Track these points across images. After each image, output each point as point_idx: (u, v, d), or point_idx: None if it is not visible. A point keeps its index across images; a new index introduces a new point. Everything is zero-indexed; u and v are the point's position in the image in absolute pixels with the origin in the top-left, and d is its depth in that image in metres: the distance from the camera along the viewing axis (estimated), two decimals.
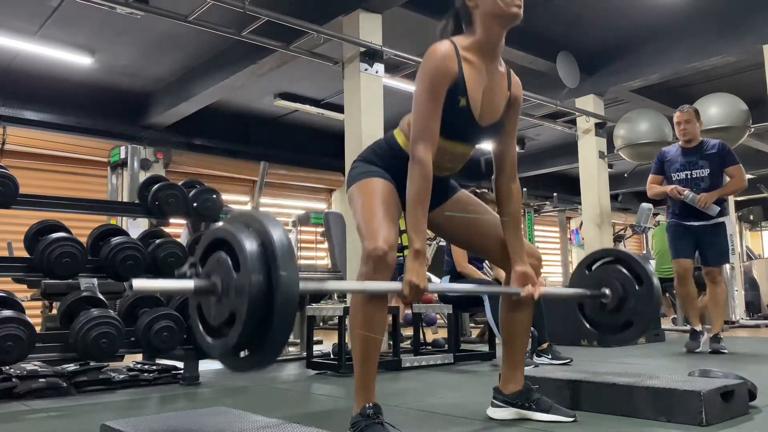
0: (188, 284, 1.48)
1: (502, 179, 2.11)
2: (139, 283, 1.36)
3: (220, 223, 1.58)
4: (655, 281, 2.29)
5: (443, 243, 4.46)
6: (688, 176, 4.34)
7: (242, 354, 1.47)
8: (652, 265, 6.26)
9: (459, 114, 1.91)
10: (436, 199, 1.97)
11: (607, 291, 2.33)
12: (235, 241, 1.42)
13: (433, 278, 4.92)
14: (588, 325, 2.43)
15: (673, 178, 4.38)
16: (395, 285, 1.81)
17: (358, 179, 2.02)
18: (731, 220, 4.38)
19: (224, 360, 1.52)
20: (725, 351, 4.20)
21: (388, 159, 2.03)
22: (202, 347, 1.55)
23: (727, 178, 4.38)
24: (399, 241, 4.19)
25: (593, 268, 2.45)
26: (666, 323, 7.06)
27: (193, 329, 1.57)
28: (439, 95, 1.87)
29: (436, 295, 4.41)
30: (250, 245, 1.40)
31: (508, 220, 2.07)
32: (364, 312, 1.84)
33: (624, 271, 2.33)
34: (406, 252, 3.34)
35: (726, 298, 6.69)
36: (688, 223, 4.34)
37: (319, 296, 5.49)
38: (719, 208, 4.23)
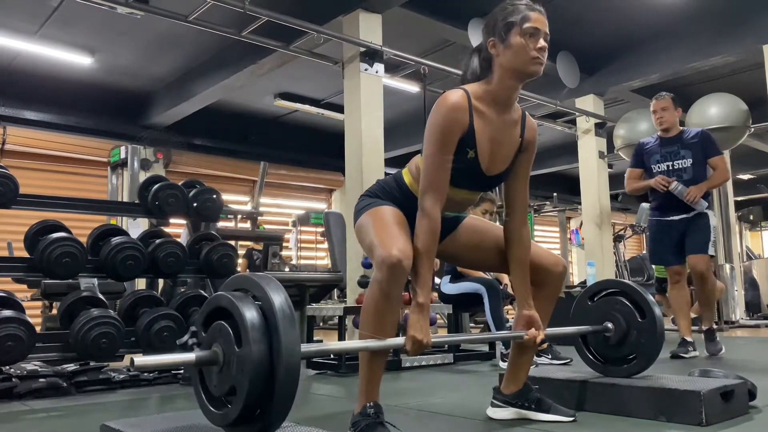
0: (190, 357, 1.47)
1: (513, 223, 2.05)
2: (140, 360, 1.37)
3: (221, 290, 1.58)
4: (657, 313, 2.29)
5: None
6: (670, 167, 4.02)
7: (247, 423, 1.47)
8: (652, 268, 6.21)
9: (466, 165, 1.89)
10: (443, 232, 1.96)
11: (610, 325, 2.33)
12: (236, 312, 1.42)
13: (435, 278, 4.92)
14: (591, 357, 2.43)
15: (654, 170, 4.07)
16: (398, 341, 1.79)
17: (366, 209, 1.98)
18: (713, 213, 4.16)
19: (228, 430, 1.52)
20: (722, 352, 4.06)
21: (396, 196, 2.00)
22: (206, 417, 1.55)
23: (711, 169, 4.07)
24: None
25: (596, 299, 2.45)
26: (666, 323, 7.05)
27: (195, 397, 1.57)
28: (449, 147, 1.85)
29: (435, 294, 4.40)
30: (250, 315, 1.40)
31: (516, 265, 2.03)
32: (376, 312, 1.83)
33: (626, 303, 2.33)
34: None
35: (717, 296, 6.68)
36: (669, 219, 4.04)
37: (319, 296, 5.49)
38: (707, 203, 3.99)
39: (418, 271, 1.80)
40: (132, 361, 1.34)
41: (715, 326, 4.26)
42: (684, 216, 3.99)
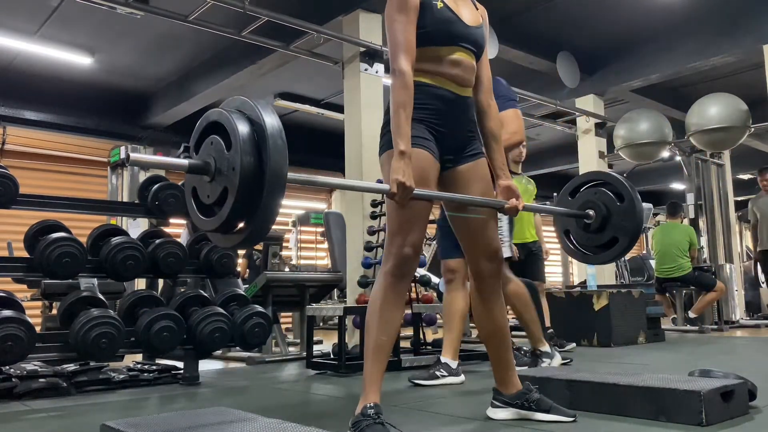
0: (183, 162, 1.56)
1: (480, 95, 2.13)
2: (136, 156, 1.46)
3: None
4: (636, 196, 2.34)
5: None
6: None
7: (236, 227, 1.57)
8: (651, 264, 6.18)
9: (441, 16, 1.98)
10: (459, 152, 2.03)
11: (591, 212, 2.39)
12: (228, 125, 1.52)
13: (433, 278, 4.92)
14: (574, 248, 2.48)
15: None
16: (383, 186, 1.83)
17: (386, 147, 1.98)
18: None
19: (217, 236, 1.61)
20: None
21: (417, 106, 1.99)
22: (196, 224, 1.66)
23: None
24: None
25: (577, 193, 2.51)
26: (666, 323, 7.06)
27: (187, 209, 1.68)
28: (408, 6, 1.94)
29: (435, 294, 4.40)
30: (242, 128, 1.50)
31: (489, 134, 2.13)
32: (381, 313, 1.86)
33: (606, 191, 2.39)
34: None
35: (714, 297, 6.70)
36: None
37: (319, 296, 5.49)
38: None
39: (397, 122, 1.87)
40: (128, 156, 1.47)
41: (541, 350, 3.47)
42: None
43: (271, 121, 1.52)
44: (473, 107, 2.12)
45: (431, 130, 1.99)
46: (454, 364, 3.15)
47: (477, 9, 2.14)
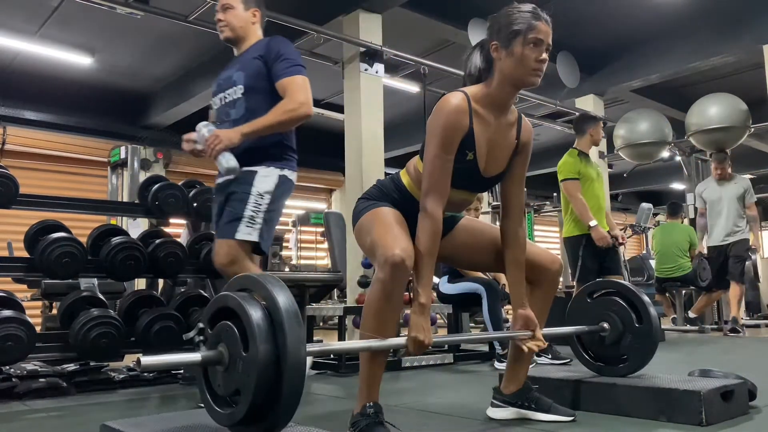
0: (195, 357, 1.47)
1: (509, 223, 2.05)
2: (147, 360, 1.37)
3: (225, 289, 1.58)
4: (654, 316, 2.28)
5: None
6: (223, 101, 2.62)
7: (252, 423, 1.47)
8: (652, 264, 6.14)
9: (465, 166, 1.91)
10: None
11: (606, 325, 2.34)
12: (242, 312, 1.42)
13: (434, 278, 4.92)
14: (586, 356, 2.44)
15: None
16: (400, 341, 1.80)
17: (365, 211, 1.99)
18: (278, 171, 2.44)
19: (234, 430, 1.52)
20: None
21: (395, 198, 2.01)
22: (211, 417, 1.55)
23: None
24: None
25: (594, 297, 2.46)
26: (666, 323, 7.06)
27: (200, 397, 1.58)
28: (451, 149, 1.86)
29: (434, 294, 4.40)
30: (256, 316, 1.40)
31: (513, 264, 2.04)
32: (377, 312, 1.84)
33: (623, 304, 2.33)
34: None
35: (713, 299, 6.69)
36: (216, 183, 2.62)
37: (319, 296, 5.49)
38: (236, 165, 2.34)
39: (420, 272, 1.81)
40: (138, 361, 1.35)
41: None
42: (224, 179, 2.49)
43: (284, 301, 1.42)
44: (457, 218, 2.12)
45: (406, 219, 1.96)
46: None
47: (518, 138, 2.00)
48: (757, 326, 7.55)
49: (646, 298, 2.33)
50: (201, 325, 1.52)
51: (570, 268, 4.54)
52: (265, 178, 2.42)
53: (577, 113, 8.33)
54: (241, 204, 2.38)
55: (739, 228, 5.86)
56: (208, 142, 2.34)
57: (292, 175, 2.51)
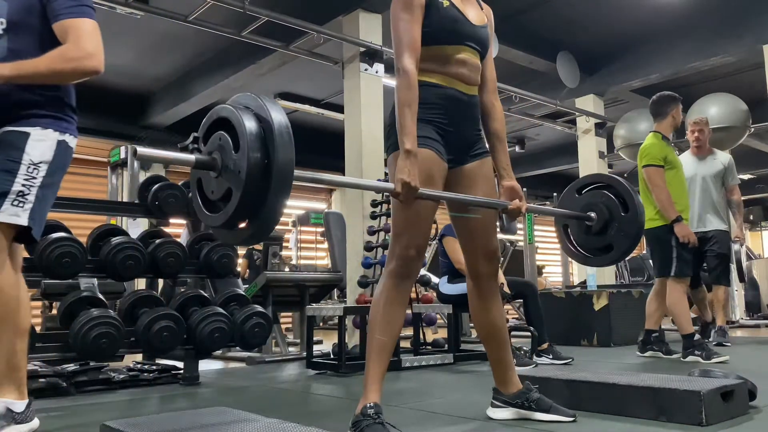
0: (189, 157, 1.55)
1: (485, 95, 2.14)
2: (144, 150, 1.46)
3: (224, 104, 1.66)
4: (639, 204, 2.34)
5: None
6: None
7: (241, 225, 1.57)
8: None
9: (447, 15, 1.98)
10: (465, 151, 2.04)
11: (593, 214, 2.38)
12: (236, 121, 1.50)
13: (433, 278, 4.92)
14: (571, 246, 2.48)
15: None
16: (387, 185, 1.83)
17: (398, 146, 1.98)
18: (46, 139, 1.94)
19: (222, 232, 1.61)
20: None
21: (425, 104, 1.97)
22: (201, 220, 1.66)
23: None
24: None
25: (583, 192, 2.51)
26: (666, 323, 7.05)
27: (192, 203, 1.67)
28: (413, 5, 1.93)
29: (434, 294, 4.40)
30: (250, 125, 1.49)
31: (494, 135, 2.13)
32: (384, 313, 1.88)
33: (611, 196, 2.38)
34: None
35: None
36: None
37: (319, 296, 5.49)
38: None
39: (402, 122, 1.86)
40: (135, 150, 1.45)
41: None
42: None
43: (278, 117, 1.52)
44: (479, 106, 2.12)
45: (438, 129, 1.99)
46: None
47: (482, 9, 2.14)
48: (757, 326, 7.55)
49: (632, 189, 2.38)
50: (195, 134, 1.58)
51: (656, 263, 4.03)
52: (40, 143, 1.91)
53: (576, 113, 8.34)
54: (7, 175, 1.84)
55: (717, 215, 4.63)
56: None
57: (72, 142, 2.03)
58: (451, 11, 1.99)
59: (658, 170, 3.91)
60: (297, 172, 1.55)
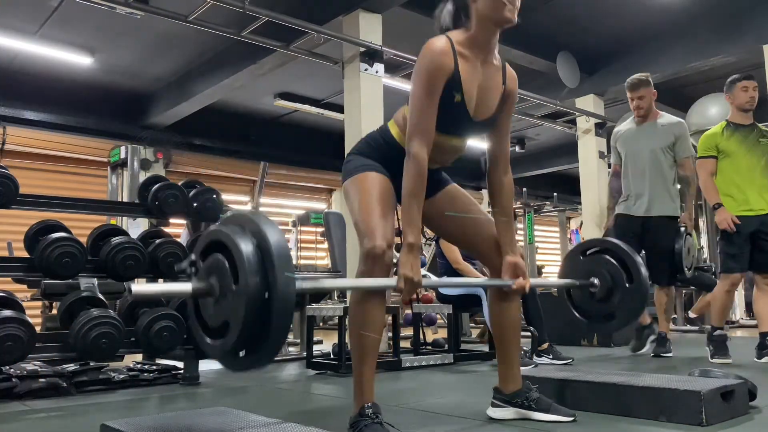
0: (186, 287, 1.49)
1: (496, 172, 2.12)
2: (139, 288, 1.38)
3: (217, 225, 1.58)
4: (644, 277, 2.32)
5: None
6: None
7: (241, 354, 1.48)
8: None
9: (454, 109, 1.93)
10: (427, 191, 1.98)
11: (596, 281, 2.36)
12: (231, 244, 1.43)
13: (433, 278, 4.92)
14: (574, 312, 2.46)
15: None
16: (390, 281, 1.82)
17: (353, 173, 2.02)
18: None
19: (223, 360, 1.53)
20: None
21: (382, 151, 2.04)
22: (200, 346, 1.56)
23: None
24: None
25: (587, 253, 2.48)
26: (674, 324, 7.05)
27: (191, 329, 1.58)
28: (435, 91, 1.89)
29: (433, 294, 4.40)
30: (246, 248, 1.41)
31: (500, 211, 2.10)
32: (361, 311, 1.87)
33: (615, 263, 2.36)
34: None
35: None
36: None
37: (319, 296, 5.49)
38: None
39: (407, 212, 1.84)
40: (130, 289, 1.39)
41: None
42: None
43: (275, 238, 1.43)
44: (441, 175, 2.13)
45: (393, 174, 1.98)
46: None
47: (505, 83, 2.05)
48: (757, 326, 7.54)
49: (638, 258, 2.35)
50: (193, 257, 1.54)
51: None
52: None
53: (576, 113, 8.33)
54: None
55: (667, 195, 3.98)
56: None
57: None
58: (460, 109, 1.94)
59: (701, 162, 3.86)
60: (299, 284, 1.47)
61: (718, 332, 3.86)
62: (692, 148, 4.07)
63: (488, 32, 1.96)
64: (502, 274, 2.08)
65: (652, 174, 3.97)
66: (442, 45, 1.90)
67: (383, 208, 1.92)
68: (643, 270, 2.33)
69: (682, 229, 3.98)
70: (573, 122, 8.79)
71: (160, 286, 1.48)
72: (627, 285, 2.30)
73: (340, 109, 6.72)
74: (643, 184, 3.98)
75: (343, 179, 2.07)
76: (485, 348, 4.31)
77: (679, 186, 4.06)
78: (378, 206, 1.91)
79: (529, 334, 3.95)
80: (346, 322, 3.87)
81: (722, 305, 3.88)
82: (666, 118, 4.12)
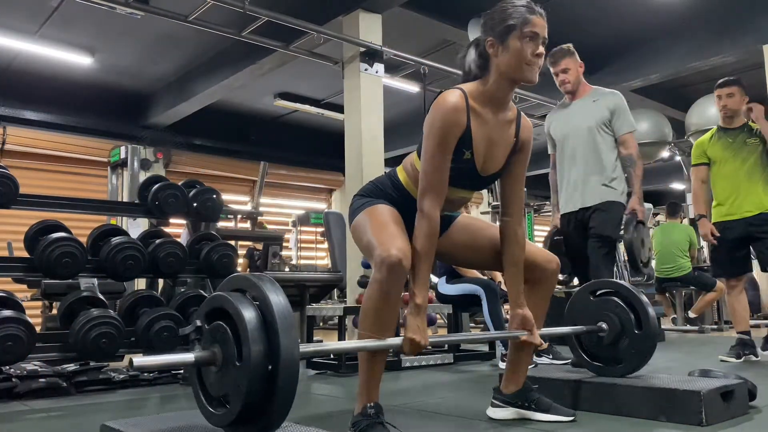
0: (189, 357, 1.46)
1: (509, 222, 2.04)
2: (140, 361, 1.36)
3: (220, 289, 1.57)
4: (653, 320, 2.28)
5: None
6: None
7: (243, 425, 1.47)
8: (651, 264, 6.09)
9: (462, 165, 1.90)
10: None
11: (605, 326, 2.34)
12: (234, 312, 1.42)
13: (432, 278, 4.92)
14: (582, 354, 2.44)
15: None
16: (396, 341, 1.78)
17: (361, 209, 1.98)
18: None
19: (225, 430, 1.52)
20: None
21: (391, 195, 2.00)
22: (202, 414, 1.54)
23: None
24: None
25: (596, 294, 2.45)
26: (666, 323, 7.06)
27: (194, 396, 1.57)
28: (449, 148, 1.85)
29: (433, 294, 4.40)
30: (249, 316, 1.39)
31: (511, 261, 2.03)
32: (375, 312, 1.83)
33: (624, 306, 2.32)
34: None
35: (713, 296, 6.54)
36: None
37: (319, 296, 5.49)
38: None
39: (416, 272, 1.80)
40: (131, 361, 1.34)
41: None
42: None
43: (277, 303, 1.41)
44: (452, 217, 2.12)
45: (402, 216, 1.96)
46: None
47: (516, 136, 1.99)
48: (757, 326, 7.55)
49: (645, 299, 2.33)
50: (198, 323, 1.52)
51: None
52: None
53: None
54: None
55: (606, 181, 3.34)
56: None
57: None
58: (468, 165, 1.91)
59: (693, 169, 3.96)
60: (303, 349, 1.45)
61: (740, 336, 3.82)
62: (633, 122, 3.46)
63: (505, 89, 1.91)
64: (510, 325, 2.05)
65: (589, 157, 3.37)
66: (455, 101, 1.85)
67: (396, 225, 1.89)
68: (651, 311, 2.30)
69: (630, 216, 3.37)
70: None
71: (163, 358, 1.45)
72: (636, 331, 2.28)
73: (340, 109, 6.73)
74: (577, 171, 3.40)
75: (350, 220, 2.02)
76: (485, 348, 4.31)
77: (622, 167, 3.40)
78: (391, 224, 1.88)
79: None
80: (346, 322, 3.87)
81: (731, 310, 3.91)
82: (598, 91, 3.54)
